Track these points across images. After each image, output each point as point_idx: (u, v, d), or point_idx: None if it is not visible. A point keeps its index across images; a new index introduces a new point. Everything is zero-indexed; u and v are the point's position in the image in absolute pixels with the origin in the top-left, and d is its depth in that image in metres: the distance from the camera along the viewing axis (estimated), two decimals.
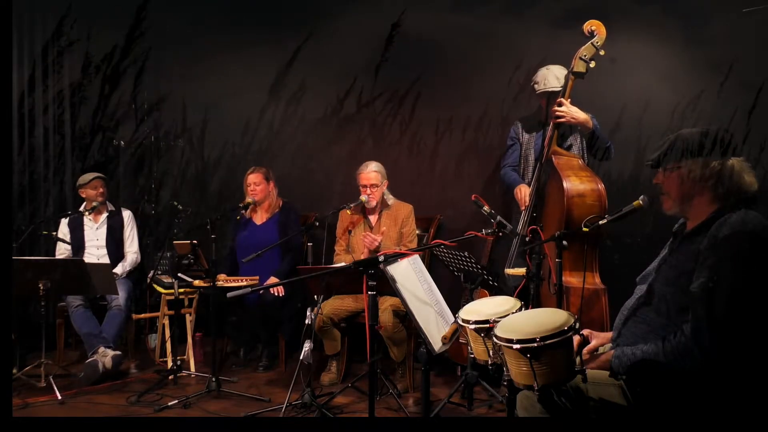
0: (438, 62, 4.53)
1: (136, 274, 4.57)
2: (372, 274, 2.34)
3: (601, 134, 3.60)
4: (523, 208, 3.64)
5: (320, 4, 4.76)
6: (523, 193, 3.67)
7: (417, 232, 4.06)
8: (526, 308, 2.14)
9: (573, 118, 3.46)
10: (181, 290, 3.99)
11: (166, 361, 4.14)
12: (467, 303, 2.31)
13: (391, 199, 4.04)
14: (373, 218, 4.04)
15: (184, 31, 4.75)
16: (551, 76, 3.63)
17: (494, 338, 1.86)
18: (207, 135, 4.98)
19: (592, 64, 3.41)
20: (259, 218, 4.35)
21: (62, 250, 4.43)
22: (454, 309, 2.36)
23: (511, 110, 4.35)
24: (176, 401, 3.48)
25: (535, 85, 3.72)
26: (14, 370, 3.84)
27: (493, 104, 4.43)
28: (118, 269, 4.37)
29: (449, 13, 4.51)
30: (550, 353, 1.75)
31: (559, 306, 2.85)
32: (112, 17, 4.79)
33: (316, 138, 4.81)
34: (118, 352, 3.89)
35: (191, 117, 4.98)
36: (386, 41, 4.56)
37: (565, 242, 2.75)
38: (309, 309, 3.38)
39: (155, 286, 4.13)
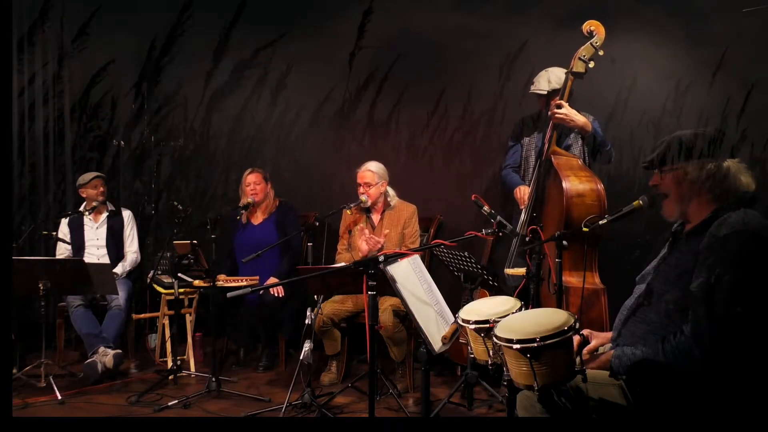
0: (440, 61, 4.53)
1: (136, 274, 4.57)
2: (372, 274, 2.34)
3: (601, 137, 3.60)
4: (522, 207, 3.65)
5: (322, 4, 4.76)
6: (522, 192, 3.67)
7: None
8: (526, 308, 2.14)
9: (572, 121, 3.46)
10: (181, 290, 3.98)
11: (166, 361, 4.14)
12: (467, 303, 2.31)
13: (394, 200, 4.04)
14: (375, 218, 4.04)
15: (184, 31, 4.75)
16: (543, 79, 3.64)
17: (494, 338, 1.86)
18: (207, 135, 4.98)
19: (591, 65, 3.40)
20: (257, 219, 4.35)
21: (62, 250, 4.43)
22: (454, 309, 2.36)
23: (512, 110, 4.35)
24: (176, 401, 3.48)
25: (532, 86, 3.73)
26: (14, 370, 3.84)
27: (495, 104, 4.43)
28: (118, 269, 4.37)
29: (451, 12, 4.50)
30: (550, 353, 1.75)
31: (559, 306, 2.85)
32: (113, 17, 4.78)
33: (316, 138, 4.81)
34: (119, 351, 3.89)
35: (191, 117, 4.98)
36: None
37: (565, 242, 2.75)
38: (309, 309, 3.38)
39: (155, 286, 4.13)
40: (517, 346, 1.77)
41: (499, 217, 2.74)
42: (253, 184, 4.25)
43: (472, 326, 2.05)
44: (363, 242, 3.85)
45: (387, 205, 4.03)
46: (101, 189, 4.40)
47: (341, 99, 4.75)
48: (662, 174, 1.93)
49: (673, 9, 4.14)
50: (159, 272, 4.14)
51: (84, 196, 4.42)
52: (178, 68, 4.86)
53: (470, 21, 4.44)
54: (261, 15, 4.78)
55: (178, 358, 4.10)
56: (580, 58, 3.39)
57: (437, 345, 2.32)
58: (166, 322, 4.21)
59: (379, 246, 3.81)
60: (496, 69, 4.39)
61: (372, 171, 3.94)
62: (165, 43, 4.81)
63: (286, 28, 4.74)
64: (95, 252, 4.41)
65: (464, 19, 4.45)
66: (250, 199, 4.21)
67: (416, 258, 2.53)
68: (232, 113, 4.91)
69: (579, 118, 3.48)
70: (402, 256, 2.44)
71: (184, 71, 4.86)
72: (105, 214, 4.48)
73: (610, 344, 2.01)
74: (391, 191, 4.05)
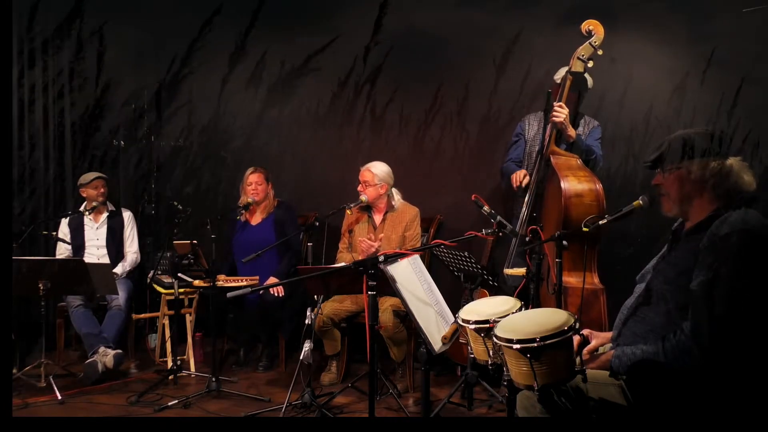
0: (441, 59, 4.51)
1: (136, 274, 4.57)
2: (372, 274, 2.34)
3: (586, 146, 3.59)
4: (516, 187, 3.64)
5: (324, 2, 4.75)
6: (520, 175, 3.65)
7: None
8: (526, 308, 2.14)
9: (563, 126, 3.46)
10: (181, 290, 3.98)
11: (166, 361, 4.14)
12: (467, 303, 2.31)
13: (397, 202, 4.04)
14: (377, 218, 4.04)
15: (184, 29, 4.75)
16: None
17: (494, 338, 1.86)
18: (207, 134, 4.98)
19: (590, 64, 3.40)
20: (256, 219, 4.35)
21: (62, 250, 4.43)
22: (454, 309, 2.36)
23: (514, 108, 4.34)
24: (176, 401, 3.49)
25: (559, 79, 3.71)
26: (14, 370, 3.84)
27: (496, 102, 4.42)
28: (118, 269, 4.37)
29: (453, 8, 4.48)
30: (550, 353, 1.75)
31: (559, 306, 2.85)
32: (115, 15, 4.78)
33: (316, 137, 4.80)
34: (119, 351, 3.88)
35: (191, 116, 4.97)
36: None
37: (565, 242, 2.75)
38: (309, 309, 3.39)
39: (155, 286, 4.13)
40: (517, 346, 1.77)
41: (499, 217, 2.74)
42: (254, 184, 4.25)
43: (472, 326, 2.05)
44: (359, 244, 3.87)
45: (390, 207, 4.03)
46: (102, 190, 4.40)
47: (342, 97, 4.74)
48: (665, 173, 1.93)
49: (674, 6, 4.13)
50: (159, 272, 4.14)
51: (84, 196, 4.42)
52: (178, 67, 4.85)
53: (472, 17, 4.41)
54: (263, 13, 4.76)
55: (178, 358, 4.10)
56: (578, 58, 3.40)
57: (437, 345, 2.32)
58: (166, 322, 4.21)
59: (374, 250, 3.80)
60: (498, 66, 4.38)
61: (372, 171, 3.94)
62: (166, 41, 4.81)
63: (287, 26, 4.72)
64: (95, 252, 4.41)
65: (466, 15, 4.42)
66: (250, 199, 4.21)
67: (416, 258, 2.53)
68: (232, 112, 4.90)
69: (569, 128, 3.48)
70: (402, 256, 2.44)
71: (184, 70, 4.85)
72: (105, 215, 4.48)
73: (611, 344, 2.01)
74: (396, 194, 4.04)
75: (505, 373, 1.90)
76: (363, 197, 3.91)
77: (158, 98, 4.94)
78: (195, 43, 4.75)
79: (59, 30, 4.76)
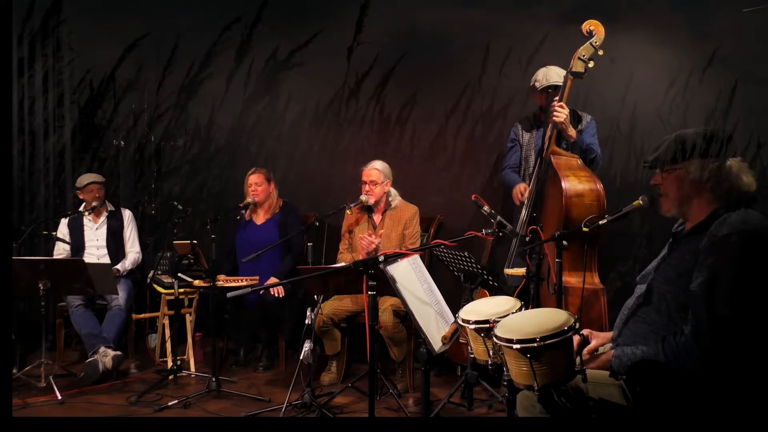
0: (441, 59, 4.51)
1: (136, 274, 4.56)
2: (372, 274, 2.34)
3: (586, 145, 3.59)
4: (518, 203, 3.66)
5: (324, 1, 4.75)
6: (522, 189, 3.68)
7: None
8: (526, 308, 2.14)
9: (564, 126, 3.46)
10: (181, 290, 3.99)
11: (166, 361, 4.13)
12: (467, 303, 2.31)
13: (396, 200, 4.04)
14: (376, 218, 4.04)
15: (185, 28, 4.75)
16: (552, 73, 3.65)
17: (494, 338, 1.86)
18: (207, 134, 4.98)
19: (591, 64, 3.40)
20: (260, 218, 4.35)
21: (60, 250, 4.43)
22: (454, 309, 2.36)
23: (514, 108, 4.34)
24: (176, 401, 3.49)
25: (536, 83, 3.72)
26: (14, 370, 3.84)
27: (496, 102, 4.42)
28: (119, 266, 4.36)
29: (454, 8, 4.47)
30: (550, 353, 1.75)
31: (559, 306, 2.85)
32: (114, 14, 4.78)
33: (316, 137, 4.80)
34: (119, 352, 3.88)
35: (191, 116, 4.98)
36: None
37: (565, 242, 2.75)
38: (309, 309, 3.39)
39: (155, 286, 4.13)
40: (517, 346, 1.77)
41: (499, 217, 2.74)
42: (254, 185, 4.24)
43: (472, 326, 2.05)
44: (358, 241, 3.87)
45: (388, 206, 4.03)
46: (97, 194, 4.37)
47: (342, 97, 4.74)
48: (664, 173, 1.93)
49: (675, 5, 4.13)
50: (159, 272, 4.14)
51: (81, 198, 4.42)
52: (178, 68, 4.85)
53: (473, 17, 4.42)
54: (264, 12, 4.76)
55: (178, 358, 4.10)
56: (579, 58, 3.40)
57: (437, 345, 2.32)
58: (166, 322, 4.21)
59: (374, 246, 3.81)
60: (499, 66, 4.38)
61: (378, 169, 3.94)
62: (166, 40, 4.81)
63: (288, 26, 4.72)
64: (95, 252, 4.41)
65: (467, 15, 4.43)
66: (250, 199, 4.22)
67: (416, 258, 2.53)
68: (233, 112, 4.91)
69: (570, 128, 3.49)
70: (402, 256, 2.44)
71: (184, 71, 4.85)
72: (104, 215, 4.48)
73: (611, 344, 2.01)
74: (393, 191, 4.05)
75: (505, 373, 1.90)
76: (364, 197, 3.91)
77: (158, 98, 4.94)
78: (195, 42, 4.76)
79: (54, 28, 4.77)
